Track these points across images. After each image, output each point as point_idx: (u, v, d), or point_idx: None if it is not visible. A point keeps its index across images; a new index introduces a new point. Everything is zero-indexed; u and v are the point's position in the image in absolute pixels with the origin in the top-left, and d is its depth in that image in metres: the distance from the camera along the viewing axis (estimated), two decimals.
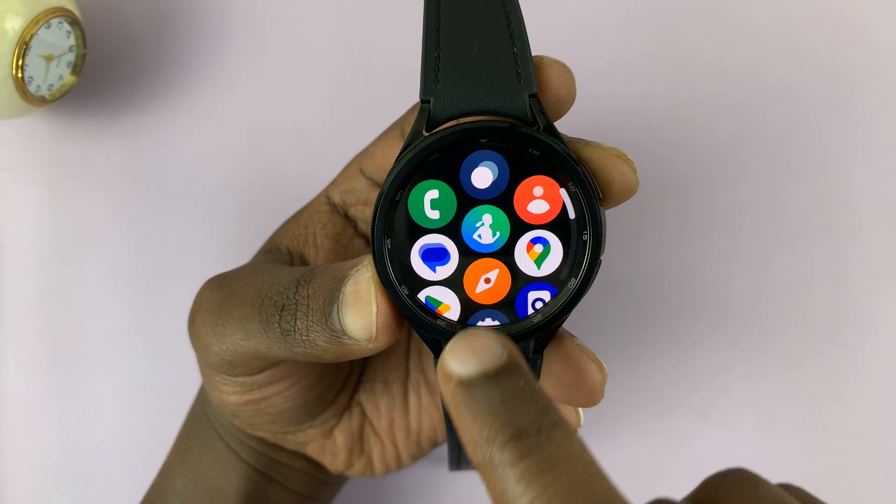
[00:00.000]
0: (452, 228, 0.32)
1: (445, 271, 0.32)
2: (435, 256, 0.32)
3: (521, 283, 0.33)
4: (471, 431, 0.25)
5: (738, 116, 0.53)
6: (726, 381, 0.53)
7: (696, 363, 0.53)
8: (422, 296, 0.33)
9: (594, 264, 0.32)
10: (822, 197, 0.53)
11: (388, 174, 0.32)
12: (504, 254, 0.32)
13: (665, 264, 0.53)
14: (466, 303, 0.33)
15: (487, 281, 0.33)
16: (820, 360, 0.53)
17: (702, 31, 0.53)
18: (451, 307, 0.33)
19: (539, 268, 0.32)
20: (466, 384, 0.26)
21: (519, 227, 0.32)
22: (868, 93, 0.53)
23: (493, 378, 0.26)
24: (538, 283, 0.33)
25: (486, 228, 0.32)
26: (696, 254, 0.53)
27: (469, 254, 0.32)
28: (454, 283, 0.32)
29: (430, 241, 0.32)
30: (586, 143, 0.33)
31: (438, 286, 0.33)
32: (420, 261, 0.32)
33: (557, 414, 0.25)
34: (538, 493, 0.24)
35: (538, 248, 0.32)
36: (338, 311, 0.33)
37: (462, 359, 0.26)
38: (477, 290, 0.33)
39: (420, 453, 0.44)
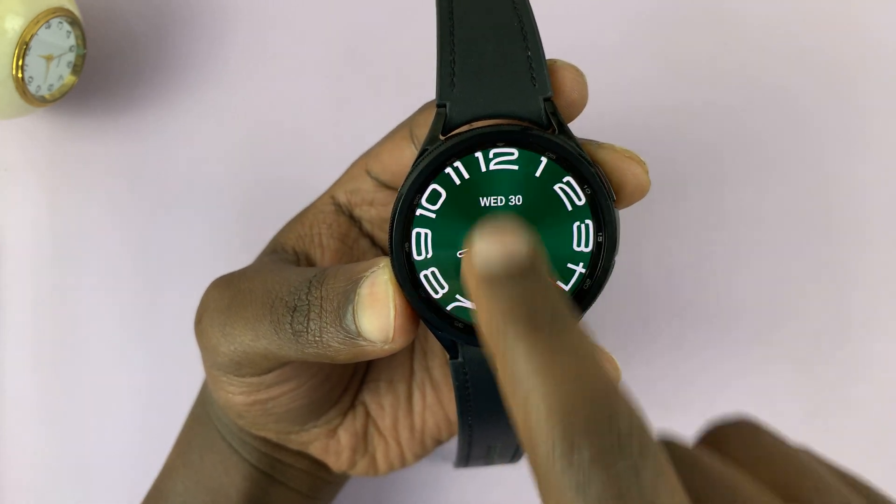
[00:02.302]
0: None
1: None
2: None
3: None
4: (489, 310, 0.26)
5: (739, 116, 0.53)
6: (725, 380, 0.53)
7: (696, 362, 0.53)
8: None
9: (608, 266, 0.33)
10: (823, 197, 0.53)
11: (406, 178, 0.32)
12: None
13: (666, 264, 0.53)
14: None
15: None
16: (821, 359, 0.53)
17: (704, 31, 0.54)
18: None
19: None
20: (490, 279, 0.27)
21: None
22: (870, 93, 0.54)
23: (518, 273, 0.26)
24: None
25: None
26: (696, 254, 0.53)
27: None
28: None
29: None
30: (599, 145, 0.33)
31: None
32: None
33: (571, 314, 0.26)
34: (545, 367, 0.24)
35: None
36: (353, 313, 0.33)
37: (490, 251, 0.27)
38: None
39: (424, 452, 0.44)
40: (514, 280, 0.26)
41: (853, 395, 0.53)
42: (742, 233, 0.53)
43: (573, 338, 0.25)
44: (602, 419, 0.23)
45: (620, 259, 0.52)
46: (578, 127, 0.37)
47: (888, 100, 0.54)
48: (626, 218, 0.52)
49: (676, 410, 0.53)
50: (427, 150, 0.32)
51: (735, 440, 0.31)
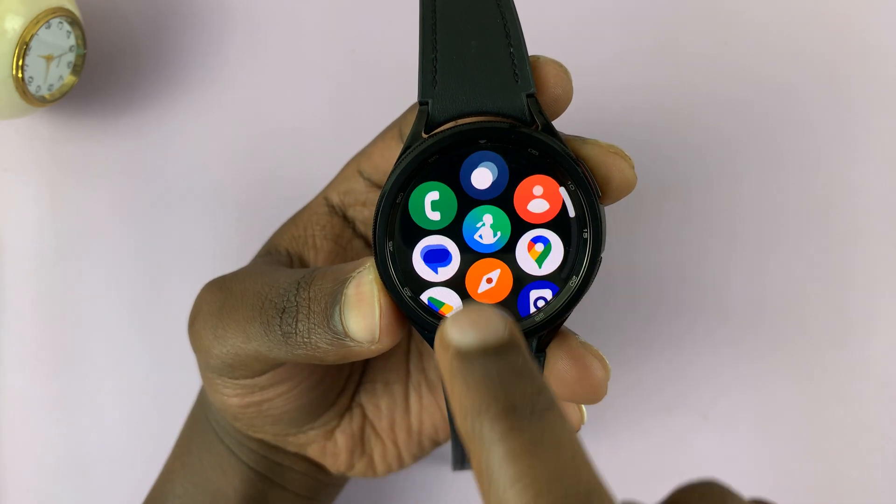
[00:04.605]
0: (453, 229, 0.32)
1: (447, 272, 0.33)
2: (436, 258, 0.33)
3: (523, 282, 0.33)
4: (462, 401, 0.25)
5: (737, 115, 0.53)
6: (726, 381, 0.53)
7: (696, 363, 0.53)
8: (424, 297, 0.33)
9: (595, 262, 0.32)
10: (822, 196, 0.53)
11: (389, 176, 0.32)
12: (505, 253, 0.32)
13: (664, 263, 0.53)
14: (469, 303, 0.33)
15: (489, 281, 0.33)
16: (820, 359, 0.53)
17: (701, 28, 0.53)
18: (453, 308, 0.33)
19: (540, 267, 0.33)
20: (464, 355, 0.25)
21: (519, 226, 0.32)
22: (869, 92, 0.53)
23: (493, 353, 0.25)
24: (540, 281, 0.33)
25: (486, 229, 0.32)
26: (695, 253, 0.53)
27: (470, 254, 0.32)
28: (456, 283, 0.33)
29: (431, 243, 0.32)
30: (584, 140, 0.33)
31: (441, 287, 0.33)
32: (422, 262, 0.32)
33: (553, 398, 0.25)
34: (523, 472, 0.23)
35: (539, 247, 0.32)
36: (340, 313, 0.33)
37: (463, 329, 0.26)
38: (479, 291, 0.33)
39: (421, 453, 0.44)
40: (491, 358, 0.25)
41: (852, 394, 0.53)
42: (741, 232, 0.53)
43: (554, 433, 0.24)
44: None
45: (619, 259, 0.52)
46: (572, 125, 0.36)
47: (889, 99, 0.53)
48: (627, 218, 0.51)
49: (677, 412, 0.53)
50: (409, 148, 0.32)
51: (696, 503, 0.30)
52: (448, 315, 0.26)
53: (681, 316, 0.53)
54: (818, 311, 0.53)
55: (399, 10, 0.52)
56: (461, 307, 0.27)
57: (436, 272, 0.33)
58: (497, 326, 0.26)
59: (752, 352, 0.53)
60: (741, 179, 0.53)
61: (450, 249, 0.32)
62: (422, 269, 0.33)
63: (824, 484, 0.52)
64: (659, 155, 0.53)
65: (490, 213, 0.32)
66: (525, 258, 0.32)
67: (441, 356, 0.26)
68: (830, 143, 0.53)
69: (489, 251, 0.32)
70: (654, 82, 0.53)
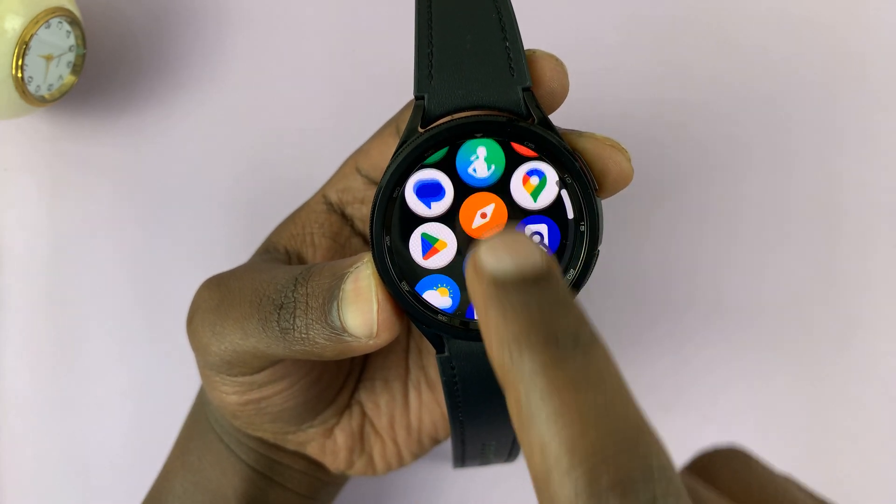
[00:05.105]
0: (451, 216, 0.32)
1: (440, 207, 0.32)
2: (430, 192, 0.32)
3: (518, 217, 0.32)
4: (499, 329, 0.23)
5: (739, 111, 0.53)
6: (727, 381, 0.53)
7: (697, 362, 0.52)
8: (417, 233, 0.32)
9: (592, 255, 0.32)
10: (822, 196, 0.53)
11: (385, 171, 0.32)
12: (499, 187, 0.32)
13: (665, 263, 0.53)
14: (464, 237, 0.32)
15: (483, 216, 0.32)
16: (821, 359, 0.53)
17: (701, 23, 0.53)
18: (447, 244, 0.32)
19: (535, 201, 0.32)
20: (501, 283, 0.24)
21: (514, 159, 0.32)
22: (875, 92, 0.53)
23: (532, 283, 0.24)
24: (535, 216, 0.32)
25: (480, 161, 0.32)
26: (696, 252, 0.53)
27: (464, 188, 0.32)
28: (449, 219, 0.32)
29: (424, 177, 0.32)
30: (580, 134, 0.33)
31: (434, 223, 0.32)
32: (415, 197, 0.32)
33: (596, 333, 0.23)
34: (566, 407, 0.22)
35: (534, 180, 0.32)
36: (338, 309, 0.33)
37: (499, 255, 0.24)
38: (473, 226, 0.32)
39: (422, 451, 0.44)
40: (530, 288, 0.24)
41: (855, 395, 0.53)
42: (741, 230, 0.53)
43: (599, 368, 0.22)
44: (635, 474, 0.21)
45: (617, 256, 0.52)
46: (573, 122, 0.36)
47: (887, 100, 0.53)
48: (624, 214, 0.51)
49: (677, 412, 0.53)
50: (405, 142, 0.32)
51: (725, 470, 0.30)
52: (481, 239, 0.25)
53: (681, 315, 0.53)
54: (819, 311, 0.53)
55: (398, 9, 0.52)
56: (496, 233, 0.25)
57: (429, 207, 0.32)
58: (534, 254, 0.24)
59: (752, 351, 0.53)
60: (742, 176, 0.53)
61: (443, 184, 0.32)
62: (415, 204, 0.32)
63: (825, 484, 0.52)
64: (657, 150, 0.53)
65: (484, 146, 0.32)
66: (520, 191, 0.32)
67: (474, 284, 0.25)
68: (830, 142, 0.53)
69: (483, 185, 0.32)
70: (652, 77, 0.53)
